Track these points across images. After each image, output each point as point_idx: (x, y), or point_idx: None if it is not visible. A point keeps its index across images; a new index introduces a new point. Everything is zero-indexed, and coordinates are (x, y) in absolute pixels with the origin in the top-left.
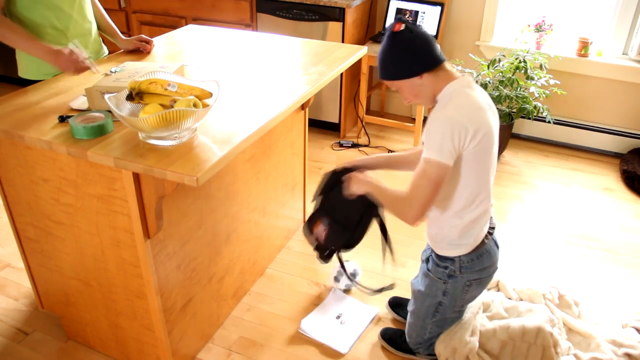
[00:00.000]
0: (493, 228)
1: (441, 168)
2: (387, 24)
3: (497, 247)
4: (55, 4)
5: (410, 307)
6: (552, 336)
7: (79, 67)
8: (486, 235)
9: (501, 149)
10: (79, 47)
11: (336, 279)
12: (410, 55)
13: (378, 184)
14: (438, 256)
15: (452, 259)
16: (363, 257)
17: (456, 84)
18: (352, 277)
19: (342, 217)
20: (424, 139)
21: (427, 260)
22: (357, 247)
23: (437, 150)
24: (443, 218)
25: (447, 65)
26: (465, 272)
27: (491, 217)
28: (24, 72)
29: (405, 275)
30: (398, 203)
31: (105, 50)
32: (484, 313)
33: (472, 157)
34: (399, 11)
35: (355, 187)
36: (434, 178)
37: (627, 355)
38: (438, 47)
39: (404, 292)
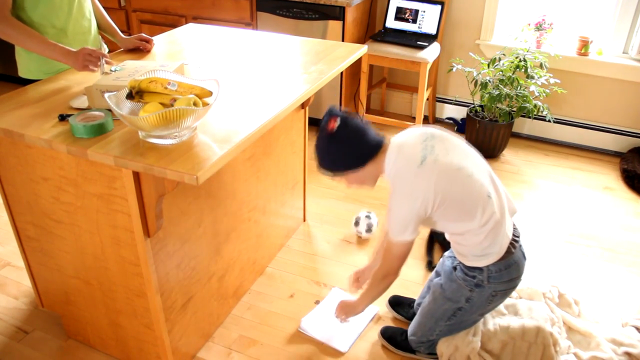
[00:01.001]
0: (518, 237)
1: (404, 244)
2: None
3: (525, 258)
4: (55, 2)
5: (425, 305)
6: (552, 335)
7: (96, 66)
8: (512, 244)
9: (501, 148)
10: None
11: (356, 223)
12: (352, 148)
13: (360, 298)
14: (466, 266)
15: (480, 269)
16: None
17: (390, 158)
18: (368, 227)
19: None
20: (386, 219)
21: (454, 268)
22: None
23: (399, 233)
24: (462, 239)
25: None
26: (493, 282)
27: (515, 227)
28: (24, 71)
29: (406, 274)
30: (378, 285)
31: (106, 49)
32: None
33: (445, 205)
34: (399, 10)
35: (351, 314)
36: (399, 254)
37: (627, 354)
38: (372, 130)
39: (404, 291)
